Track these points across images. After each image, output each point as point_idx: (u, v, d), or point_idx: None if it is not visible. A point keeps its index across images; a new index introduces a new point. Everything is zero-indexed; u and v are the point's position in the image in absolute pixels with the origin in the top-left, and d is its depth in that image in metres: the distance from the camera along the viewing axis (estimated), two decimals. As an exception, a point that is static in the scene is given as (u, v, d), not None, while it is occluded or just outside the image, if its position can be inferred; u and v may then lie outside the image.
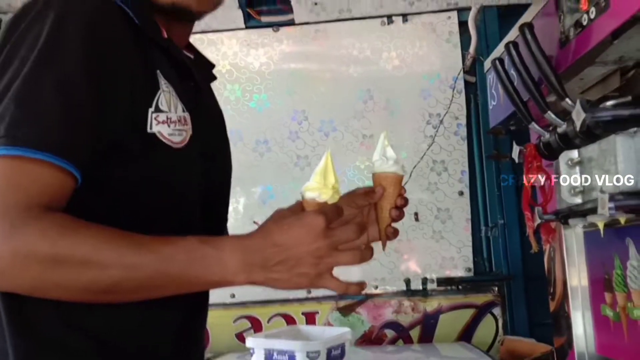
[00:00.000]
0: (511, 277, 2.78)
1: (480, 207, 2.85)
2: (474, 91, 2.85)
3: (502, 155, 2.74)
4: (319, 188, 0.98)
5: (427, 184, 2.84)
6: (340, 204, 1.00)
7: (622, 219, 1.41)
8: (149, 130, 0.95)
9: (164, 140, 0.97)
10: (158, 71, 0.99)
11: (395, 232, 1.14)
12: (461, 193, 2.84)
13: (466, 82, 2.87)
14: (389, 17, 2.87)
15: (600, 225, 1.56)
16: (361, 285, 1.01)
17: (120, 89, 0.93)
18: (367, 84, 2.89)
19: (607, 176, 1.38)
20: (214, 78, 1.26)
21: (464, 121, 2.85)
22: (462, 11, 2.84)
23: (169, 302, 0.94)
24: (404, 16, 2.87)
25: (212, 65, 1.26)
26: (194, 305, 1.09)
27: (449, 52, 2.86)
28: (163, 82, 0.99)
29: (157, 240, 0.90)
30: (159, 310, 0.98)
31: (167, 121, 0.97)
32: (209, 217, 1.10)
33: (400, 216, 1.13)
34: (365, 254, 0.98)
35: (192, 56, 1.19)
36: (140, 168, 0.96)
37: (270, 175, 2.84)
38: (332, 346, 1.67)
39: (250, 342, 1.73)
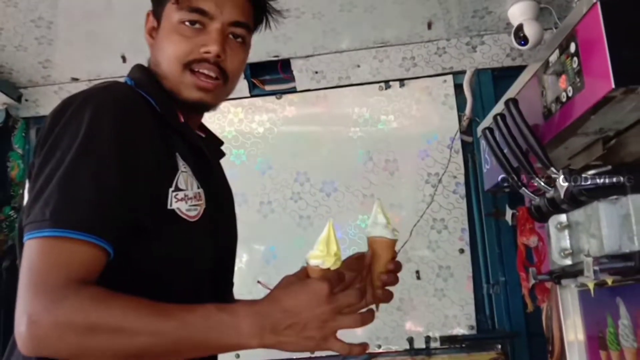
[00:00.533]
0: (515, 334, 2.79)
1: (482, 265, 2.85)
2: (471, 150, 2.91)
3: (501, 213, 2.79)
4: (323, 256, 1.05)
5: (428, 242, 2.88)
6: (341, 269, 1.08)
7: (609, 280, 1.47)
8: (169, 207, 1.07)
9: (181, 215, 1.08)
10: (177, 154, 1.11)
11: (388, 295, 1.22)
12: (462, 251, 2.87)
13: (463, 142, 2.92)
14: (387, 82, 2.97)
15: (591, 286, 1.62)
16: (364, 346, 1.08)
17: (146, 174, 1.04)
18: (366, 145, 2.96)
19: (592, 240, 1.46)
20: (223, 154, 1.37)
21: (462, 180, 2.90)
22: (457, 75, 2.93)
23: None
24: (401, 81, 2.96)
25: (221, 143, 1.37)
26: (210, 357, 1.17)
27: (445, 113, 2.94)
28: (181, 163, 1.11)
29: (179, 308, 0.99)
30: None
31: (185, 198, 1.09)
32: (217, 282, 1.20)
33: (390, 280, 1.20)
34: (366, 317, 1.05)
35: (203, 135, 1.30)
36: (161, 240, 1.07)
37: (273, 235, 2.90)
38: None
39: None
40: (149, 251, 1.06)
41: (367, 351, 1.08)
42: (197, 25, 1.18)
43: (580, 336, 1.95)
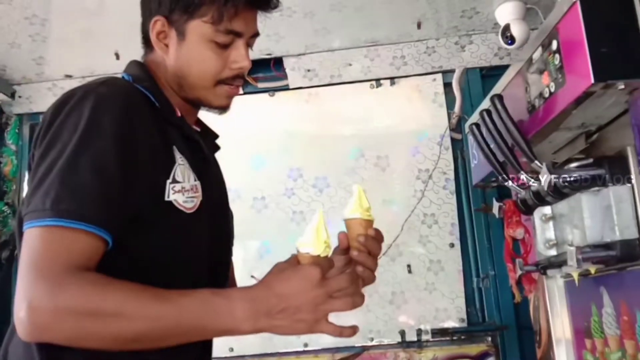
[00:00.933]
0: (504, 327, 2.84)
1: (472, 259, 2.91)
2: (460, 147, 2.96)
3: (489, 208, 2.84)
4: (313, 243, 1.08)
5: (419, 236, 2.92)
6: (331, 256, 1.12)
7: (592, 269, 1.53)
8: (166, 198, 1.10)
9: (178, 206, 1.11)
10: (174, 147, 1.15)
11: (370, 276, 1.21)
12: (452, 245, 2.91)
13: (453, 139, 2.98)
14: (377, 80, 3.03)
15: (575, 276, 1.68)
16: (354, 328, 1.09)
17: (145, 166, 1.08)
18: (358, 142, 3.01)
19: (576, 230, 1.51)
20: (218, 148, 1.41)
21: (452, 176, 2.95)
22: (447, 73, 3.00)
23: (186, 349, 1.05)
24: (392, 79, 3.02)
25: (216, 136, 1.41)
26: (205, 351, 1.22)
27: (435, 111, 3.00)
28: (178, 156, 1.14)
29: (176, 293, 1.02)
30: (178, 358, 1.09)
31: (182, 190, 1.12)
32: (213, 274, 1.23)
33: (369, 243, 1.21)
34: (357, 300, 1.08)
35: (199, 129, 1.34)
36: (158, 231, 1.10)
37: (267, 230, 2.94)
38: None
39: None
40: (147, 241, 1.09)
41: (356, 332, 1.11)
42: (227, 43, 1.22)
43: (566, 325, 2.00)
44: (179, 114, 1.22)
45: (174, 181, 1.11)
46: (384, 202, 2.94)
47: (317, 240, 1.09)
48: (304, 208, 2.97)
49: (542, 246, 1.69)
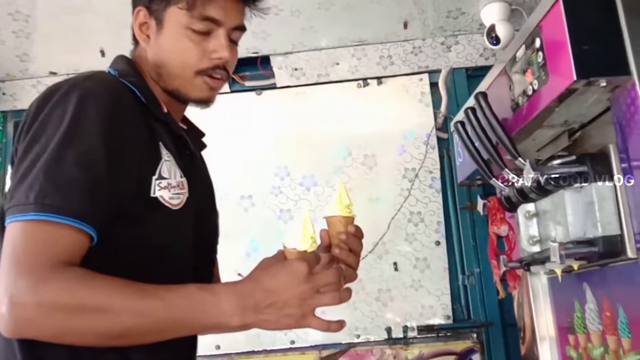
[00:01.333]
0: (489, 323, 2.86)
1: (457, 256, 2.93)
2: (446, 147, 2.98)
3: (474, 206, 2.86)
4: (300, 239, 1.09)
5: (405, 234, 2.94)
6: (317, 251, 1.13)
7: (575, 266, 1.55)
8: (152, 194, 1.10)
9: (164, 203, 1.11)
10: (160, 143, 1.15)
11: (351, 274, 1.23)
12: (438, 243, 2.94)
13: (439, 139, 3.00)
14: (365, 80, 3.04)
15: (558, 272, 1.70)
16: (340, 323, 1.10)
17: (130, 161, 1.07)
18: (345, 141, 3.03)
19: (559, 227, 1.54)
20: (205, 146, 1.41)
21: (438, 175, 2.98)
22: (433, 73, 3.01)
23: (171, 346, 1.05)
24: (379, 79, 3.04)
25: (203, 135, 1.41)
26: (191, 348, 1.22)
27: (421, 111, 3.02)
28: (165, 152, 1.14)
29: (161, 288, 1.01)
30: (163, 355, 1.09)
31: (168, 186, 1.12)
32: (198, 270, 1.23)
33: (350, 241, 1.22)
34: (344, 295, 1.08)
35: (185, 127, 1.35)
36: (144, 227, 1.10)
37: (254, 229, 2.95)
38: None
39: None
40: (132, 237, 1.09)
41: (343, 327, 1.12)
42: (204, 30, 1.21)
43: (550, 321, 2.02)
44: (165, 110, 1.22)
45: (160, 177, 1.11)
46: (371, 200, 2.96)
47: (303, 235, 1.10)
48: (291, 206, 2.98)
49: (525, 243, 1.71)
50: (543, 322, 2.03)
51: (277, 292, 1.04)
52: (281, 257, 1.11)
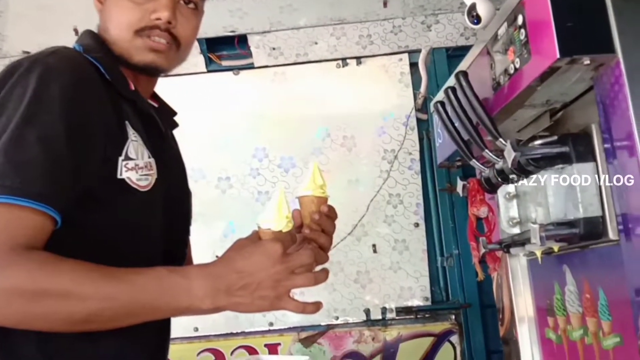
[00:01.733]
0: (468, 305, 2.87)
1: (436, 238, 2.94)
2: (425, 128, 2.97)
3: (454, 188, 2.85)
4: (274, 219, 1.07)
5: (384, 216, 2.94)
6: (293, 231, 1.10)
7: (556, 247, 1.53)
8: (119, 176, 1.05)
9: (132, 184, 1.07)
10: (127, 122, 1.10)
11: (322, 256, 1.20)
12: (417, 225, 2.93)
13: (418, 120, 2.99)
14: (344, 60, 3.00)
15: (538, 254, 1.68)
16: (317, 305, 1.08)
17: (94, 141, 1.03)
18: (324, 122, 3.00)
19: (539, 208, 1.51)
20: (176, 125, 1.36)
21: (417, 156, 2.97)
22: (413, 53, 2.99)
23: (142, 331, 1.02)
24: (358, 59, 3.00)
25: (174, 113, 1.36)
26: (163, 332, 1.18)
27: (401, 91, 2.99)
28: (131, 132, 1.09)
29: (129, 271, 0.98)
30: (133, 340, 1.07)
31: (136, 167, 1.07)
32: (170, 254, 1.19)
33: (323, 221, 1.19)
34: (320, 276, 1.07)
35: (156, 105, 1.30)
36: (111, 210, 1.06)
37: (232, 210, 2.92)
38: (291, 374, 1.76)
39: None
40: (98, 220, 1.05)
41: (320, 308, 1.09)
42: None
43: (529, 303, 2.01)
44: (133, 87, 1.17)
45: (127, 158, 1.07)
46: (350, 182, 2.94)
47: (278, 215, 1.07)
48: (270, 188, 2.95)
49: (505, 224, 1.68)
50: (522, 303, 2.03)
51: (251, 273, 1.01)
52: (255, 237, 1.08)
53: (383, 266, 2.90)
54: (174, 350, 2.77)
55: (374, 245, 2.90)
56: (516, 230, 1.67)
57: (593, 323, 1.57)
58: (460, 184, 1.85)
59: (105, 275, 0.96)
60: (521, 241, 1.66)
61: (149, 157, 1.11)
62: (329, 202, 1.22)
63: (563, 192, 1.41)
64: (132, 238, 1.10)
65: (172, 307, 1.01)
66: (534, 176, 1.49)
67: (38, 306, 0.92)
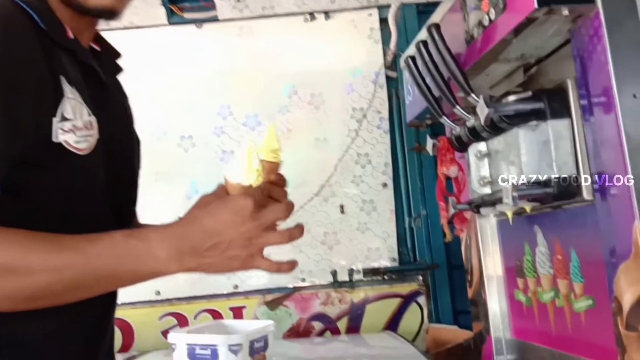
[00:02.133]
0: (435, 266, 2.86)
1: (404, 199, 2.91)
2: (395, 86, 2.91)
3: (423, 148, 2.80)
4: (244, 172, 0.99)
5: (352, 176, 2.89)
6: (264, 187, 1.01)
7: (528, 208, 1.49)
8: (54, 139, 0.95)
9: (70, 148, 0.97)
10: (62, 77, 0.98)
11: None
12: (385, 185, 2.90)
13: (388, 77, 2.92)
14: (312, 14, 2.90)
15: (509, 214, 1.64)
16: (292, 263, 1.03)
17: (27, 102, 0.92)
18: (291, 78, 2.91)
19: (512, 167, 1.46)
20: (121, 70, 1.25)
21: (386, 115, 2.92)
22: (383, 8, 2.90)
23: (83, 310, 0.95)
24: (326, 13, 2.91)
25: (118, 55, 1.24)
26: (107, 309, 1.10)
27: (370, 48, 2.92)
28: (68, 89, 0.98)
29: (81, 238, 0.90)
30: (75, 313, 0.98)
31: (73, 129, 0.97)
32: (118, 214, 1.10)
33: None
34: (295, 233, 0.99)
35: (98, 48, 1.18)
36: (50, 175, 0.96)
37: (195, 170, 2.83)
38: (255, 339, 1.70)
39: (172, 337, 1.74)
40: (38, 187, 0.95)
41: (295, 267, 1.04)
42: None
43: (498, 264, 1.98)
44: (72, 36, 1.04)
45: (63, 119, 0.95)
46: (317, 141, 2.88)
47: (248, 168, 0.99)
48: (234, 147, 2.87)
49: (476, 184, 1.63)
50: (491, 265, 2.00)
51: (220, 232, 0.94)
52: (222, 192, 1.00)
53: (350, 227, 2.86)
54: (134, 314, 2.74)
55: (341, 206, 2.86)
56: (487, 190, 1.62)
57: (564, 285, 1.54)
58: (429, 142, 1.79)
59: (54, 245, 0.89)
60: (492, 201, 1.61)
61: (89, 115, 1.00)
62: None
63: (537, 150, 1.36)
64: (76, 203, 1.00)
65: (134, 274, 0.94)
66: (507, 134, 1.43)
67: None
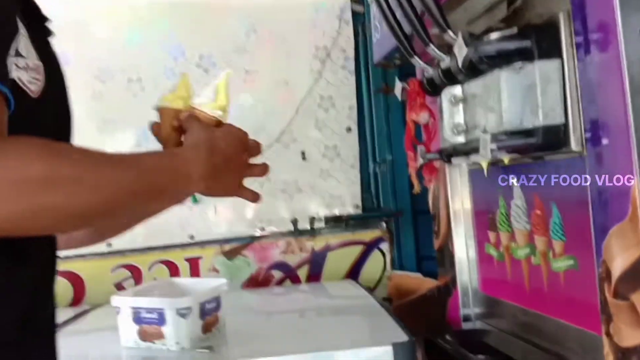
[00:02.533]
0: (399, 212, 2.76)
1: (369, 144, 2.79)
2: (362, 21, 2.73)
3: (390, 89, 2.67)
4: (222, 106, 1.02)
5: (315, 120, 2.74)
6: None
7: (506, 159, 1.36)
8: (10, 75, 0.84)
9: (23, 87, 0.86)
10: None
11: None
12: (349, 129, 2.76)
13: (354, 12, 2.74)
14: (270, -62, 2.68)
15: (484, 165, 1.51)
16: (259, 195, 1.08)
17: None
18: (249, 14, 2.70)
19: (490, 114, 1.32)
20: (50, 33, 1.11)
21: (352, 54, 2.75)
22: None
23: (27, 260, 0.89)
24: (286, -63, 2.69)
25: (46, 19, 1.11)
26: (50, 259, 1.00)
27: (335, -22, 2.72)
28: (20, 25, 0.87)
29: (134, 154, 0.94)
30: (17, 269, 0.89)
31: (26, 67, 0.87)
32: None
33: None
34: (265, 169, 1.08)
35: None
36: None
37: (144, 116, 2.56)
38: (206, 300, 1.57)
39: (116, 301, 1.59)
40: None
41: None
42: None
43: (468, 217, 1.88)
44: None
45: (17, 54, 0.85)
46: (277, 83, 2.72)
47: (226, 104, 1.03)
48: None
49: (448, 132, 1.49)
50: (460, 216, 1.89)
51: (230, 157, 1.00)
52: (204, 125, 1.01)
53: (312, 174, 2.74)
54: (85, 267, 2.59)
55: (303, 152, 2.72)
56: (461, 139, 1.48)
57: (542, 242, 1.42)
58: (399, 85, 1.64)
59: (111, 158, 0.87)
60: (466, 151, 1.48)
61: (38, 60, 0.91)
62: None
63: (520, 95, 1.22)
64: None
65: (172, 191, 0.96)
66: (486, 76, 1.28)
67: (49, 195, 0.78)
